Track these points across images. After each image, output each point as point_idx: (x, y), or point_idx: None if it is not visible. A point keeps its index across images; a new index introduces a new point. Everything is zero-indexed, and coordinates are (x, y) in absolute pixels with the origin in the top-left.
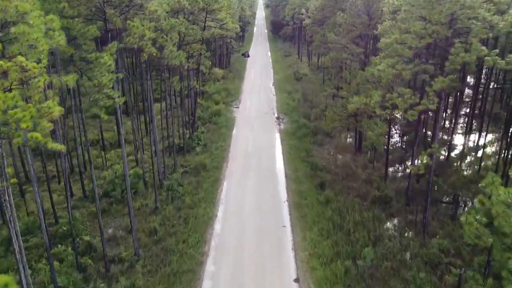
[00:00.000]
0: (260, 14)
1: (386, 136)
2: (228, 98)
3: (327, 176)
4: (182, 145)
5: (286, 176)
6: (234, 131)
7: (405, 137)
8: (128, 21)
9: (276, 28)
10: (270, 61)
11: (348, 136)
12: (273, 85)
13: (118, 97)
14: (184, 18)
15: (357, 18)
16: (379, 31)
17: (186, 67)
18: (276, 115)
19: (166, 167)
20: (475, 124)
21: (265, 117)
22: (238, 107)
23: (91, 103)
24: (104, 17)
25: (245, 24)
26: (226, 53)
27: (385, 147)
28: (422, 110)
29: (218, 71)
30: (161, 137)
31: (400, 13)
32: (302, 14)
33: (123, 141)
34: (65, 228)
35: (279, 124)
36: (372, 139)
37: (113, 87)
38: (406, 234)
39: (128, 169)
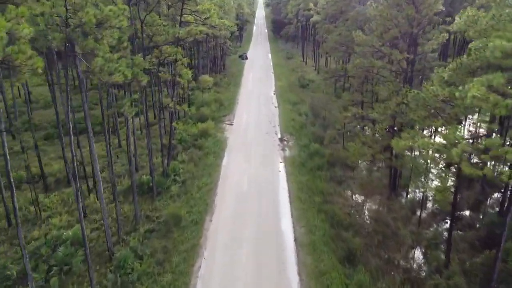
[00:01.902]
0: (260, 13)
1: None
2: (220, 111)
3: (356, 241)
4: (151, 185)
5: (296, 240)
6: (224, 160)
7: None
8: None
9: (277, 27)
10: (271, 64)
11: (376, 168)
12: (274, 93)
13: None
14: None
15: (399, 11)
16: (458, 26)
17: (146, 82)
18: (279, 135)
19: (122, 223)
20: None
21: (265, 138)
22: (231, 124)
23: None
24: None
25: (244, 23)
26: (221, 55)
27: (452, 206)
28: None
29: (207, 78)
30: (125, 171)
31: None
32: (310, 9)
33: None
34: None
35: (283, 149)
36: (435, 196)
37: None
38: None
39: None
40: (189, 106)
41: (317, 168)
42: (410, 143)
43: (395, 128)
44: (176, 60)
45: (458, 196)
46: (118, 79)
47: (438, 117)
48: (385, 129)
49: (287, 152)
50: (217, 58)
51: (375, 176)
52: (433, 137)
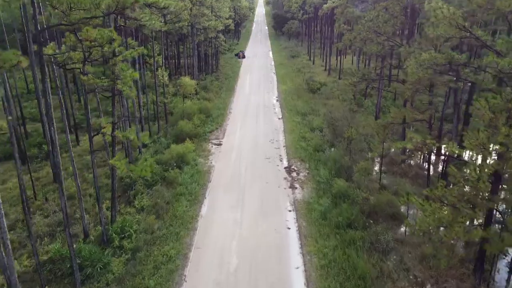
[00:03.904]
0: (260, 11)
1: None
2: (206, 125)
3: None
4: (70, 264)
5: None
6: (204, 207)
7: None
8: None
9: (278, 23)
10: (273, 63)
11: None
12: (277, 100)
13: None
14: None
15: None
16: None
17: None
18: (285, 162)
19: None
20: None
21: (266, 167)
22: (220, 144)
23: None
24: None
25: (242, 18)
26: (214, 53)
27: None
28: None
29: (188, 81)
30: (48, 227)
31: None
32: None
33: None
34: None
35: (292, 186)
36: None
37: None
38: None
39: None
40: (166, 120)
41: (347, 223)
42: None
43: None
44: (114, 54)
45: None
46: None
47: None
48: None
49: (298, 192)
50: (208, 56)
51: (440, 239)
52: None
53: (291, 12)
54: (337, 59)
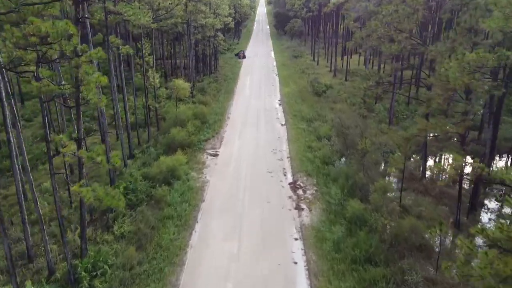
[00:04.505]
0: (262, 10)
1: None
2: (201, 133)
3: None
4: None
5: None
6: (195, 235)
7: None
8: None
9: (280, 22)
10: (275, 64)
11: None
12: (280, 104)
13: None
14: None
15: None
16: None
17: None
18: (289, 176)
19: None
20: None
21: (267, 183)
22: (216, 154)
23: None
24: None
25: (242, 17)
26: (212, 53)
27: None
28: None
29: (182, 84)
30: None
31: None
32: None
33: None
34: None
35: (297, 207)
36: None
37: None
38: None
39: None
40: (157, 126)
41: (366, 257)
42: None
43: None
44: (76, 54)
45: None
46: None
47: None
48: None
49: (306, 215)
50: (206, 56)
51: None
52: None
53: (293, 10)
54: (342, 59)
